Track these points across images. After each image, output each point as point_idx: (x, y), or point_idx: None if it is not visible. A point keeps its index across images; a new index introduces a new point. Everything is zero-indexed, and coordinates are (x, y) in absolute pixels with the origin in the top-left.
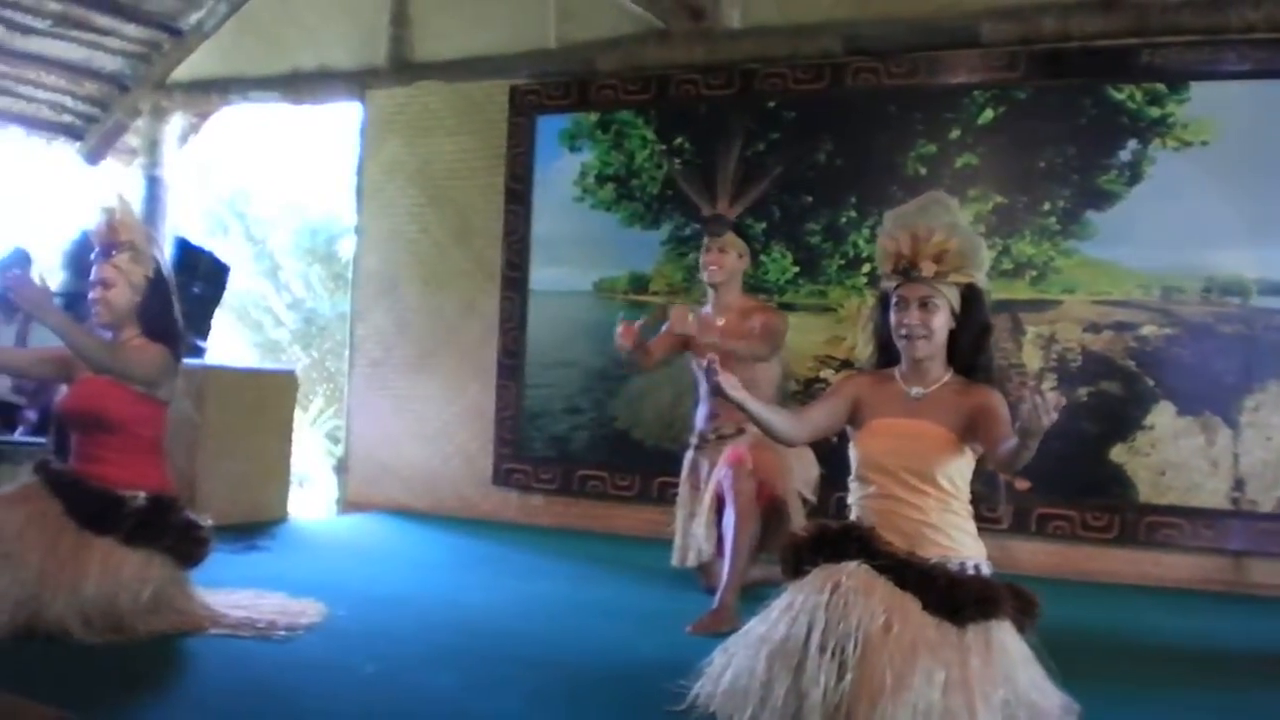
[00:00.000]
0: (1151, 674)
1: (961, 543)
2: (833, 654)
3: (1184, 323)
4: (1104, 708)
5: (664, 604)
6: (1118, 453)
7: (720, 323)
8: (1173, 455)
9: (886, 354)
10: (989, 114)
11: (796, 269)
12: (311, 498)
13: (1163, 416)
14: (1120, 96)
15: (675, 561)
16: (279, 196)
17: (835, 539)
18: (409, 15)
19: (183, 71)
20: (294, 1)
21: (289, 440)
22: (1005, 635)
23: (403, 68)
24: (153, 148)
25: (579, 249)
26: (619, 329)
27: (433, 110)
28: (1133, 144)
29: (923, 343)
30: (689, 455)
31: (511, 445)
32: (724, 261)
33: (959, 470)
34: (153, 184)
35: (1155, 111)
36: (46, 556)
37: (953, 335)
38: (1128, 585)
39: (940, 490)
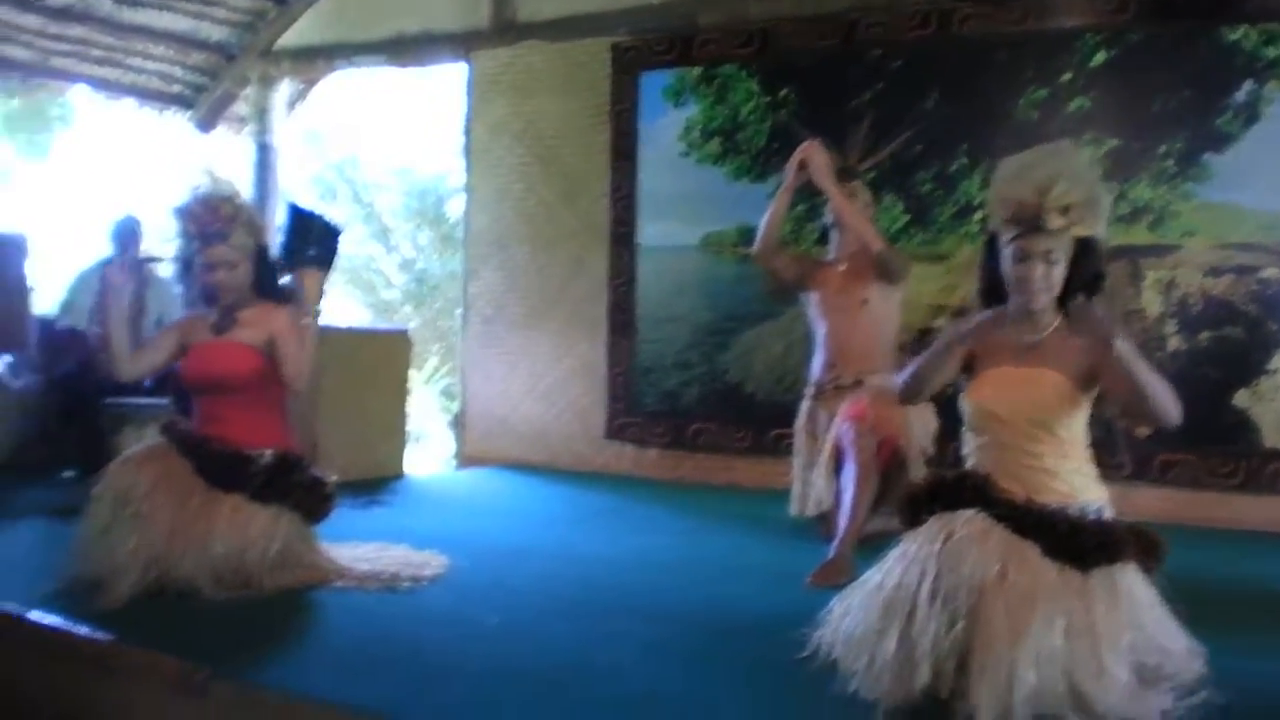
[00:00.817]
0: (1271, 622)
1: (1082, 487)
2: (943, 603)
3: None
4: (1228, 654)
5: (781, 556)
6: (1241, 398)
7: (842, 269)
8: None
9: (993, 296)
10: (1101, 57)
11: (907, 218)
12: (427, 454)
13: None
14: (1234, 37)
15: (794, 510)
16: (387, 160)
17: (951, 488)
18: None
19: (289, 38)
20: None
21: (404, 398)
22: (1131, 579)
23: (505, 28)
24: (262, 115)
25: (686, 204)
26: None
27: (536, 70)
28: (1249, 85)
29: (1044, 296)
30: (805, 405)
31: (624, 400)
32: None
33: (1077, 417)
34: (263, 151)
35: (1271, 52)
36: (175, 515)
37: (1067, 283)
38: (1253, 531)
39: (1057, 438)
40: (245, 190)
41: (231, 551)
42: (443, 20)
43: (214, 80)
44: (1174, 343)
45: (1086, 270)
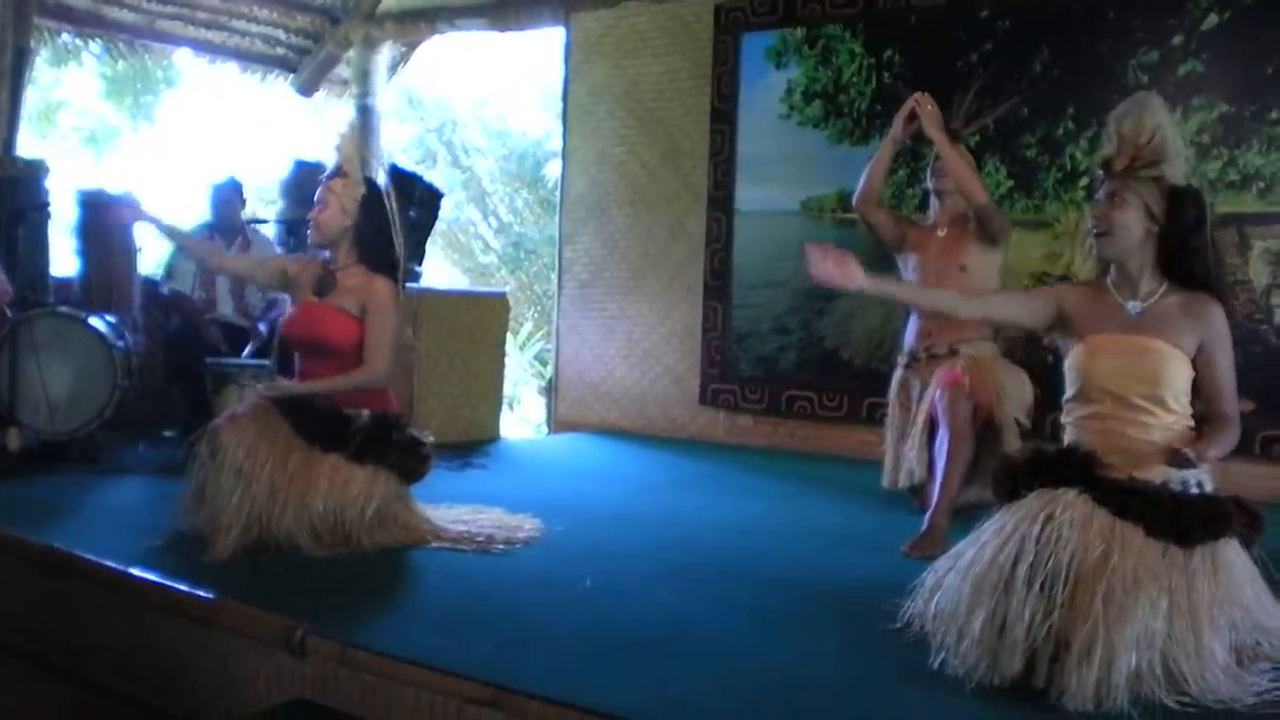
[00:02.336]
0: None
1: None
2: (1041, 587)
3: None
4: None
5: (878, 524)
6: None
7: (941, 234)
8: None
9: (1105, 266)
10: (1213, 19)
11: (1011, 183)
12: (522, 419)
13: None
14: None
15: (886, 483)
16: (486, 124)
17: (1054, 463)
18: None
19: (391, 2)
20: None
21: (501, 362)
22: (1232, 553)
23: None
24: (364, 78)
25: (786, 167)
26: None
27: (639, 31)
28: None
29: (1106, 240)
30: (898, 374)
31: (719, 366)
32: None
33: (1185, 387)
34: (364, 113)
35: None
36: (276, 474)
37: (1162, 240)
38: None
39: (1166, 409)
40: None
41: (331, 510)
42: None
43: (317, 43)
44: None
45: (1179, 223)
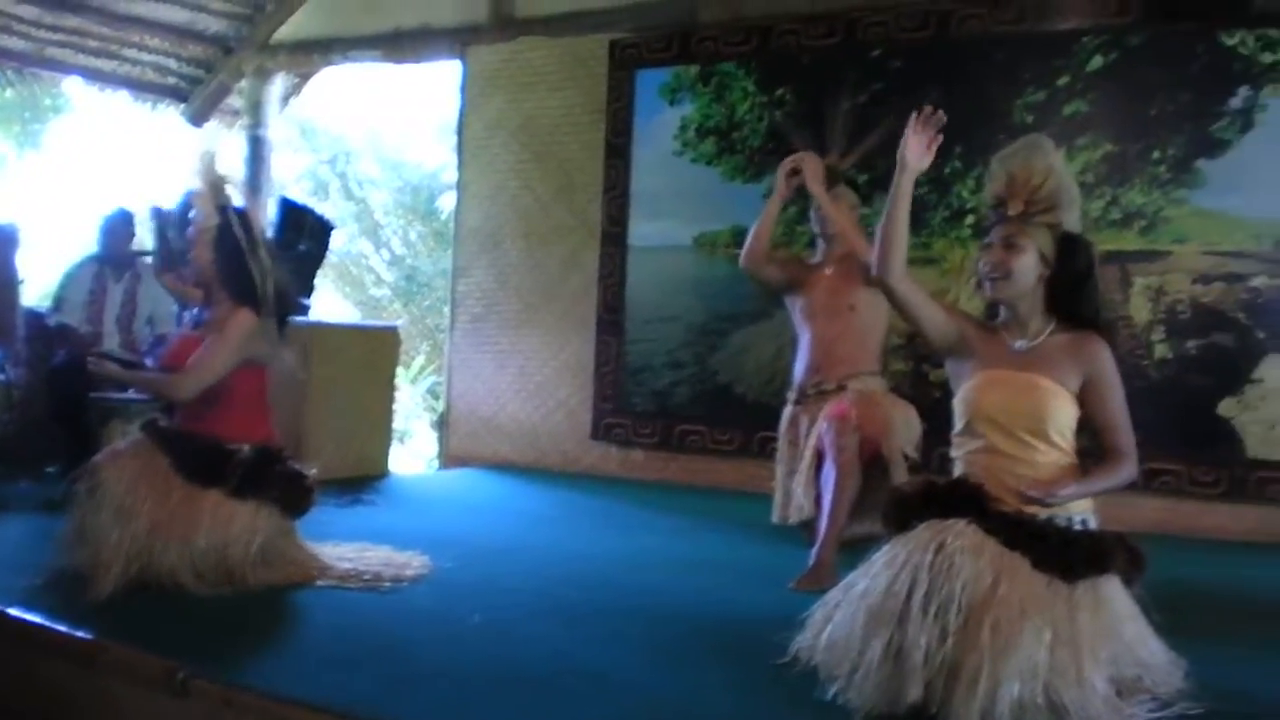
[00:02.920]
0: (1261, 633)
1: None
2: (935, 616)
3: None
4: (1212, 667)
5: (768, 558)
6: (1227, 406)
7: (829, 272)
8: None
9: (993, 307)
10: (1099, 60)
11: None
12: (412, 454)
13: (1273, 369)
14: (1232, 42)
15: (775, 518)
16: (379, 155)
17: (944, 495)
18: None
19: (285, 32)
20: None
21: (392, 396)
22: (1113, 590)
23: (504, 24)
24: (256, 108)
25: (680, 203)
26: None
27: (535, 66)
28: (1245, 91)
29: (1002, 284)
30: (787, 410)
31: (612, 400)
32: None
33: (1069, 423)
34: (256, 144)
35: (1268, 58)
36: (157, 510)
37: (1052, 284)
38: (1236, 541)
39: (1051, 445)
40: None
41: (213, 547)
42: (441, 15)
43: (209, 73)
44: (1161, 350)
45: (1068, 267)
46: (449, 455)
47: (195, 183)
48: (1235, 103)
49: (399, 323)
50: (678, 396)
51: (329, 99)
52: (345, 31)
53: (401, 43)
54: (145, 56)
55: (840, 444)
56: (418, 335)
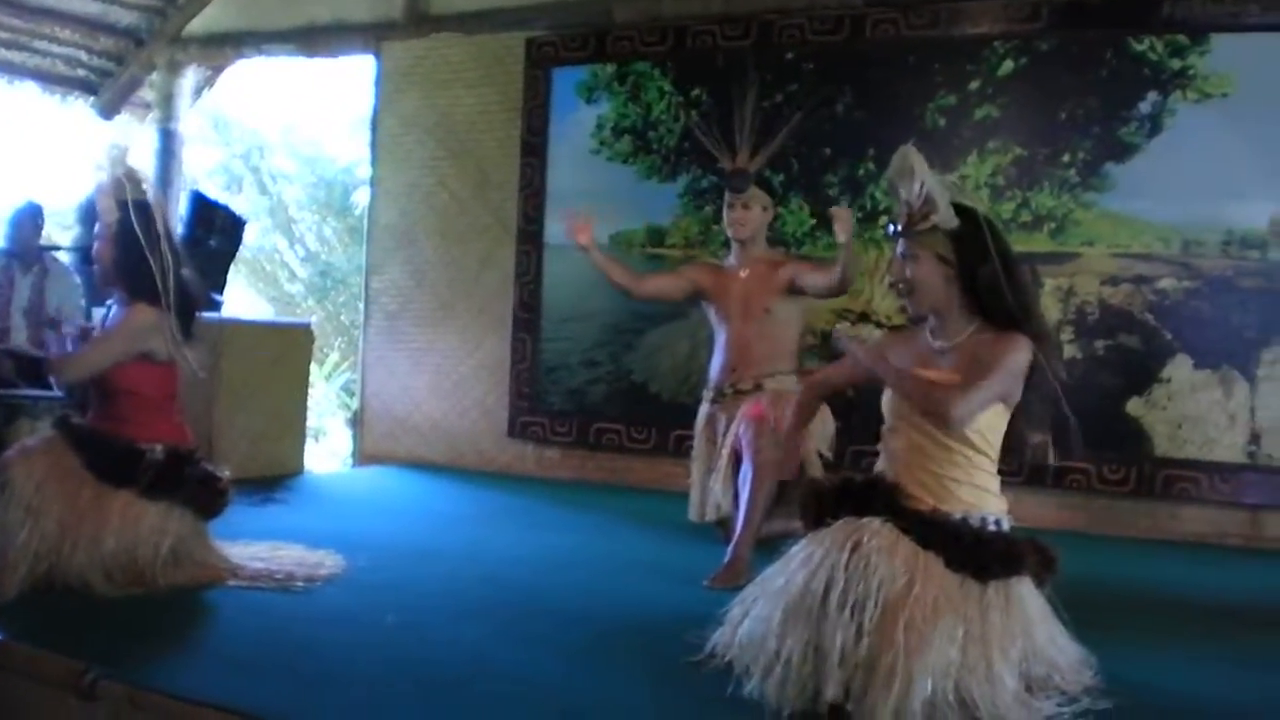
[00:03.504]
0: (1168, 628)
1: (984, 499)
2: (851, 613)
3: (1203, 276)
4: (1121, 662)
5: (683, 557)
6: (1135, 406)
7: (744, 275)
8: (1190, 409)
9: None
10: (1009, 65)
11: (814, 221)
12: (327, 452)
13: (1180, 370)
14: (1141, 48)
15: (693, 516)
16: (293, 150)
17: (860, 492)
18: None
19: (198, 25)
20: None
21: (305, 394)
22: (1025, 590)
23: (419, 20)
24: (167, 102)
25: (596, 202)
26: (567, 221)
27: (451, 63)
28: (1153, 96)
29: (913, 298)
30: (704, 409)
31: (528, 399)
32: (748, 218)
33: (985, 424)
34: (167, 138)
35: (1176, 64)
36: (66, 510)
37: (960, 283)
38: (1144, 539)
39: (965, 444)
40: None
41: (123, 548)
42: (354, 10)
43: (120, 65)
44: (1070, 350)
45: (969, 262)
46: (364, 454)
47: (99, 178)
48: (1144, 108)
49: (312, 319)
50: (593, 395)
51: (243, 92)
52: (258, 25)
53: (315, 37)
54: (55, 49)
55: (757, 445)
56: (332, 332)
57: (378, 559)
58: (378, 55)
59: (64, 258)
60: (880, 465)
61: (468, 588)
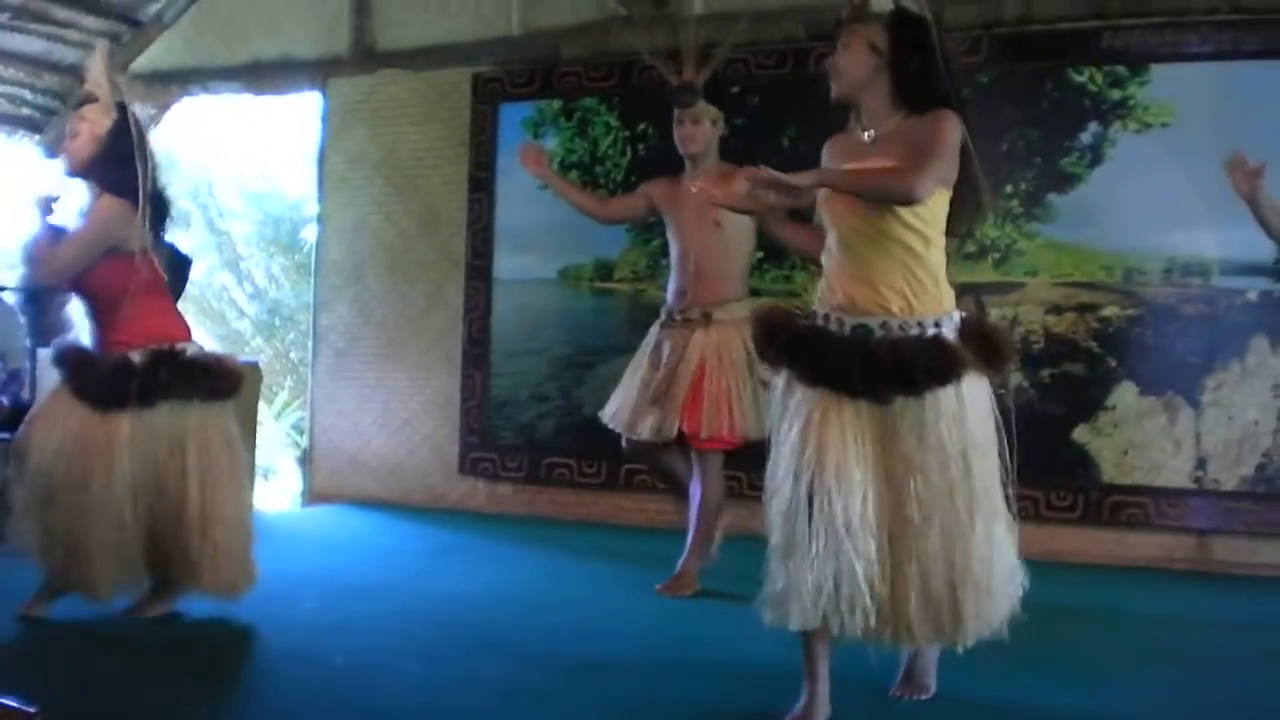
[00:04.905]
0: (1117, 653)
1: (921, 297)
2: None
3: (1146, 303)
4: (1070, 687)
5: (632, 593)
6: (1081, 433)
7: (694, 189)
8: (1136, 435)
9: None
10: None
11: (761, 254)
12: (276, 491)
13: (1125, 397)
14: (1081, 79)
15: (611, 423)
16: (241, 187)
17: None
18: (371, 4)
19: (143, 63)
20: None
21: (253, 433)
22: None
23: (366, 56)
24: None
25: (544, 237)
26: (521, 147)
27: (397, 99)
28: (1094, 126)
29: (834, 82)
30: (654, 330)
31: (478, 434)
32: (698, 133)
33: (929, 212)
34: None
35: (1116, 94)
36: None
37: (891, 73)
38: (1093, 565)
39: (901, 229)
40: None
41: (150, 475)
42: (301, 47)
43: (65, 104)
44: (1016, 379)
45: (902, 50)
46: (313, 492)
47: (93, 72)
48: (1085, 138)
49: (261, 358)
50: (544, 430)
51: (189, 130)
52: (204, 62)
53: (261, 74)
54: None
55: (709, 480)
56: (281, 370)
57: (326, 598)
58: (324, 92)
59: (9, 298)
60: (819, 286)
61: (417, 626)
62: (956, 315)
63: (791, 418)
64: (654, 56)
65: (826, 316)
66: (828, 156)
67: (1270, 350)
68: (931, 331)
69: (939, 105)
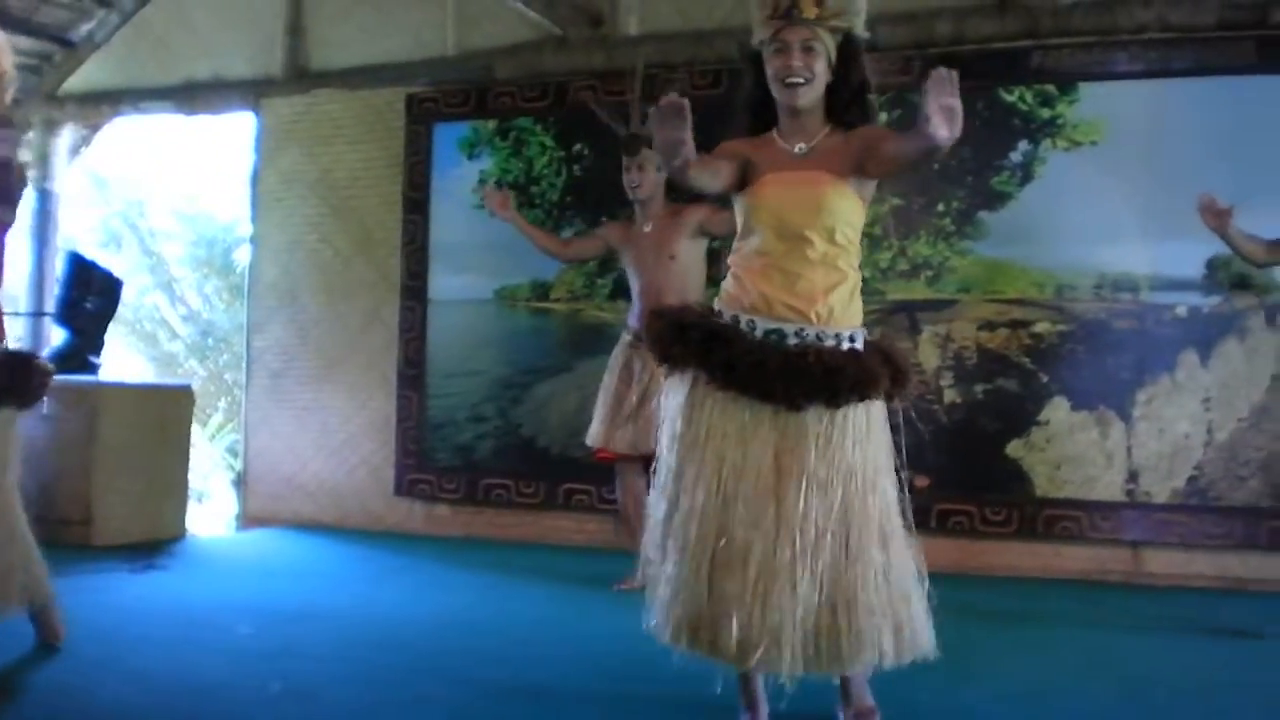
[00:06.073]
0: (1053, 665)
1: (841, 310)
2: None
3: (1077, 319)
4: (1007, 698)
5: (575, 612)
6: (1014, 448)
7: (648, 230)
8: (1069, 449)
9: (760, 119)
10: (883, 117)
11: (713, 289)
12: (211, 515)
13: (1058, 412)
14: (1011, 99)
15: (592, 442)
16: (173, 208)
17: (703, 331)
18: (304, 24)
19: (74, 83)
20: (187, 11)
21: (186, 456)
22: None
23: (299, 76)
24: (44, 160)
25: (480, 257)
26: (486, 192)
27: (333, 118)
28: (1024, 145)
29: (805, 89)
30: (622, 348)
31: (415, 456)
32: (644, 179)
33: (852, 220)
34: (44, 197)
35: (1046, 112)
36: None
37: (831, 90)
38: (1028, 578)
39: (831, 242)
40: (24, 240)
41: None
42: (234, 67)
43: None
44: (950, 395)
45: (851, 73)
46: (249, 516)
47: None
48: (1015, 157)
49: (194, 380)
50: (481, 450)
51: (122, 150)
52: (136, 82)
53: (194, 94)
54: None
55: None
56: (215, 392)
57: (262, 624)
58: (258, 112)
59: None
60: (729, 283)
61: (354, 651)
62: (863, 332)
63: (689, 421)
64: (599, 105)
65: (735, 318)
66: (749, 151)
67: (1200, 364)
68: (847, 345)
69: (865, 124)
